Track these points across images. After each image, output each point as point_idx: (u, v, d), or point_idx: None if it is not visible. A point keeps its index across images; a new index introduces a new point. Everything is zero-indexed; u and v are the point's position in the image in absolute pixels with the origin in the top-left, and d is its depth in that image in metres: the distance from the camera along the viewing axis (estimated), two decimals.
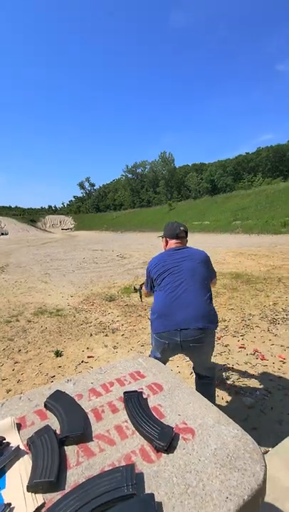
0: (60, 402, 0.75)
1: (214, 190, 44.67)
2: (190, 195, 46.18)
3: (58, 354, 2.86)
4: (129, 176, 58.95)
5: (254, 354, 2.65)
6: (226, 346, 2.85)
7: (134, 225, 32.91)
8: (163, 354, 1.68)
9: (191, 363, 2.28)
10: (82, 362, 2.70)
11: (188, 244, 1.87)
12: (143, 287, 2.07)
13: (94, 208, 63.05)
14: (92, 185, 68.98)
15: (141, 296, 2.22)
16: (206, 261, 1.70)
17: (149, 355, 1.83)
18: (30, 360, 2.81)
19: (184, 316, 1.50)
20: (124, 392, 0.79)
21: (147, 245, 16.19)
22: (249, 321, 3.48)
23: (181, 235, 1.82)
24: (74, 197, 73.77)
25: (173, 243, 1.81)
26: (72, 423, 0.67)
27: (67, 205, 75.52)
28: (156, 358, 1.73)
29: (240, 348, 2.79)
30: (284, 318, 3.48)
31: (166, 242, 1.85)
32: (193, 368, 1.84)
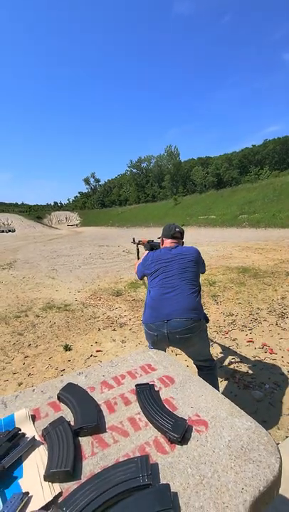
0: (73, 394, 0.76)
1: (220, 183, 44.14)
2: (196, 190, 45.74)
3: (67, 348, 2.90)
4: (134, 171, 58.65)
5: (262, 348, 2.64)
6: (233, 340, 2.84)
7: (140, 220, 32.84)
8: (154, 346, 1.73)
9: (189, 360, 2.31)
10: (91, 356, 2.73)
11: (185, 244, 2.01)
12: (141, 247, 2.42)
13: (99, 203, 63.07)
14: (98, 180, 68.94)
15: (138, 252, 2.56)
16: (196, 257, 1.82)
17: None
18: (40, 355, 2.85)
19: (171, 309, 1.59)
20: (136, 385, 0.79)
21: (154, 240, 16.13)
22: (257, 315, 3.46)
23: (175, 236, 1.96)
24: (79, 193, 73.97)
25: (168, 242, 1.95)
26: (86, 415, 0.68)
27: (73, 201, 75.78)
28: (150, 349, 1.78)
29: (249, 341, 2.78)
30: None
31: (162, 242, 2.01)
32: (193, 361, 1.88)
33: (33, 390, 0.83)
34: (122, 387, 0.82)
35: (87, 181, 69.07)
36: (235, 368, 2.35)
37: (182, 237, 1.99)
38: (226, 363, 2.44)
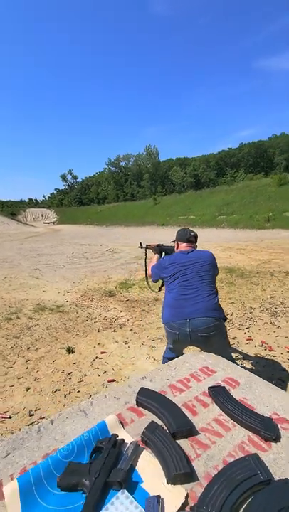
0: (151, 399, 0.79)
1: (198, 184, 45.10)
2: (174, 190, 46.35)
3: (69, 351, 2.86)
4: (113, 169, 58.11)
5: (262, 346, 2.79)
6: (234, 339, 2.97)
7: (120, 219, 32.66)
8: (174, 345, 1.82)
9: None
10: (96, 358, 2.72)
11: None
12: (151, 251, 2.48)
13: (77, 201, 61.71)
14: (75, 177, 67.33)
15: (146, 256, 2.63)
16: (212, 261, 1.90)
17: (167, 347, 1.93)
18: (42, 358, 2.78)
19: (193, 309, 1.67)
20: (209, 388, 0.83)
21: (135, 240, 16.11)
22: (251, 314, 3.64)
23: (191, 240, 2.02)
24: (56, 189, 71.78)
25: (184, 246, 2.01)
26: (178, 418, 0.71)
27: (49, 197, 73.41)
28: (170, 348, 1.83)
29: (248, 340, 2.92)
30: (283, 310, 3.67)
31: (178, 245, 2.07)
32: None
33: (105, 396, 0.85)
34: (193, 390, 0.86)
35: (64, 178, 67.26)
36: (240, 365, 2.46)
37: (196, 241, 2.06)
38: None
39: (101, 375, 2.41)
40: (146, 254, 2.70)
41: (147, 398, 0.79)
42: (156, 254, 2.40)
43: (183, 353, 1.99)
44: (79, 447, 0.64)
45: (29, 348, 3.01)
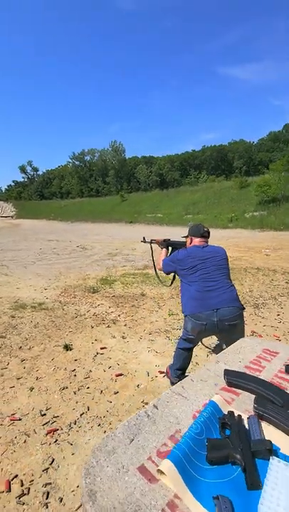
0: (242, 378, 0.83)
1: (163, 183, 45.97)
2: (140, 187, 46.65)
3: (67, 348, 2.76)
4: (77, 163, 56.32)
5: (253, 335, 3.00)
6: None
7: (85, 215, 31.85)
8: (198, 336, 1.90)
9: (204, 348, 2.52)
10: (97, 354, 2.67)
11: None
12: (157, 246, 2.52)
13: (38, 194, 58.54)
14: (36, 169, 63.73)
15: (152, 249, 2.72)
16: (226, 256, 2.03)
17: (181, 338, 2.00)
18: (38, 357, 2.65)
19: (218, 300, 1.77)
20: (286, 365, 0.90)
21: (105, 236, 15.98)
22: None
23: (204, 235, 2.12)
24: (14, 181, 67.30)
25: (197, 241, 2.10)
26: (278, 392, 0.77)
27: (6, 190, 68.48)
28: (188, 338, 1.91)
29: None
30: (263, 303, 3.98)
31: (191, 240, 2.14)
32: None
33: (192, 380, 0.87)
34: (269, 370, 0.93)
35: (23, 169, 63.27)
36: None
37: (209, 236, 2.15)
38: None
39: (107, 371, 2.39)
40: (152, 248, 2.74)
41: (237, 378, 0.84)
42: (164, 249, 2.44)
43: (198, 344, 2.07)
44: (205, 426, 0.66)
45: (21, 348, 2.84)
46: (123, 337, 3.02)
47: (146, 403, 1.96)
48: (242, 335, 1.91)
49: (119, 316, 3.68)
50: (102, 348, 2.77)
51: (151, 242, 2.70)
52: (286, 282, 4.99)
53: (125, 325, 3.35)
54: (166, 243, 2.48)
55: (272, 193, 17.43)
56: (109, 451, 0.62)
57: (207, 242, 2.11)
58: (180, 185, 38.39)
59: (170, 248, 2.48)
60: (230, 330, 1.74)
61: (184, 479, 0.54)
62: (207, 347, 2.63)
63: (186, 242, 2.34)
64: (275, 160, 28.69)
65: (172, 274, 2.20)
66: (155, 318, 3.51)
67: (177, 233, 2.87)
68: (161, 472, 0.56)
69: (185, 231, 2.28)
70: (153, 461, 0.60)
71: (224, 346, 2.69)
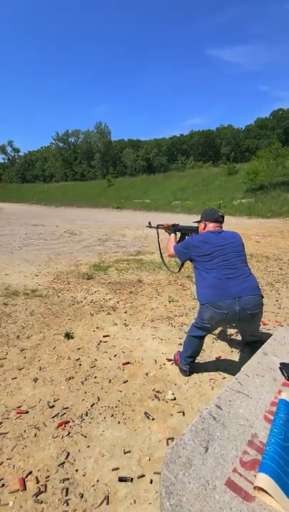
0: None
1: (150, 168, 45.22)
2: (126, 172, 45.67)
3: (68, 336, 2.66)
4: (61, 144, 54.03)
5: None
6: None
7: (70, 200, 30.92)
8: (216, 325, 1.84)
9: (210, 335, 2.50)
10: (100, 342, 2.59)
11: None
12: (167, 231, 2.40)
13: (19, 177, 56.06)
14: (17, 150, 60.71)
15: (158, 234, 2.64)
16: (242, 242, 1.96)
17: (194, 325, 1.94)
18: (38, 346, 2.53)
19: (240, 288, 1.71)
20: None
21: (92, 221, 15.59)
22: None
23: (219, 220, 2.04)
24: None
25: (212, 226, 2.02)
26: None
27: None
28: (203, 327, 1.85)
29: None
30: (261, 289, 4.00)
31: (205, 225, 2.06)
32: (242, 339, 2.05)
33: (247, 375, 0.80)
34: None
35: (3, 150, 60.05)
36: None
37: (223, 221, 2.06)
38: (232, 333, 2.70)
39: (113, 359, 2.31)
40: (158, 233, 2.64)
41: None
42: (172, 234, 2.33)
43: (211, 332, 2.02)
44: (286, 429, 0.59)
45: (18, 337, 2.70)
46: (125, 324, 2.95)
47: (158, 391, 1.92)
48: (259, 323, 1.88)
49: (118, 302, 3.59)
50: (104, 336, 2.68)
51: (157, 227, 2.59)
52: (280, 268, 5.06)
53: (125, 312, 3.27)
54: (174, 228, 2.37)
55: (259, 181, 17.56)
56: (185, 463, 0.54)
57: (222, 227, 2.04)
58: (167, 171, 37.90)
59: (178, 234, 2.39)
60: (250, 319, 1.70)
61: (287, 495, 0.47)
62: (212, 333, 2.62)
63: (197, 227, 2.25)
64: (262, 147, 28.80)
65: (180, 261, 2.12)
66: (155, 305, 3.45)
67: (166, 219, 2.77)
68: (259, 489, 0.48)
69: (174, 217, 2.19)
70: (241, 474, 0.52)
71: (228, 333, 2.69)
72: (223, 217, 2.05)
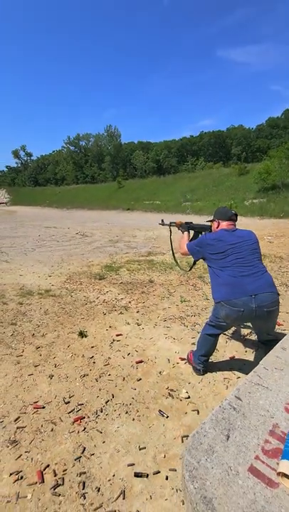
0: None
1: (160, 170, 45.24)
2: (136, 174, 45.85)
3: (82, 335, 2.69)
4: (72, 148, 54.89)
5: None
6: None
7: (81, 202, 31.31)
8: (232, 323, 1.82)
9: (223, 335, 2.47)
10: (114, 341, 2.61)
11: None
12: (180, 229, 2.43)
13: (32, 181, 57.22)
14: (29, 154, 62.02)
15: (170, 231, 2.65)
16: (257, 240, 1.94)
17: (208, 324, 1.92)
18: (53, 344, 2.58)
19: (256, 285, 1.69)
20: None
21: (103, 223, 15.74)
22: None
23: (232, 218, 2.05)
24: (7, 167, 65.51)
25: (225, 224, 2.02)
26: None
27: None
28: (218, 325, 1.84)
29: None
30: None
31: (218, 224, 2.06)
32: (258, 338, 2.03)
33: (266, 368, 0.79)
34: None
35: (16, 154, 61.52)
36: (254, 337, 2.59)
37: (237, 219, 2.05)
38: (246, 333, 2.66)
39: (126, 357, 2.33)
40: (170, 231, 2.65)
41: None
42: (186, 232, 2.34)
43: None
44: None
45: (34, 335, 2.76)
46: (138, 324, 2.96)
47: (172, 390, 1.92)
48: (275, 321, 1.86)
49: (130, 302, 3.61)
50: (117, 335, 2.71)
51: (170, 225, 2.59)
52: None
53: (138, 312, 3.29)
54: (188, 226, 2.37)
55: (272, 181, 17.26)
56: (207, 449, 0.55)
57: (235, 225, 2.03)
58: (177, 172, 37.83)
59: (192, 232, 2.39)
60: (267, 316, 1.68)
61: None
62: (225, 333, 2.59)
63: (210, 226, 2.25)
64: (274, 147, 28.33)
65: (192, 259, 2.12)
66: (167, 305, 3.45)
67: (177, 220, 2.75)
68: (283, 475, 0.48)
69: (185, 218, 2.20)
70: (263, 461, 0.52)
71: (242, 333, 2.65)
72: (236, 216, 2.05)
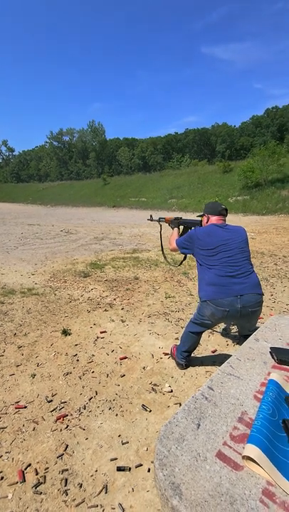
0: None
1: (145, 167, 45.20)
2: (122, 171, 45.56)
3: (65, 333, 2.67)
4: (55, 143, 53.74)
5: None
6: None
7: (66, 199, 30.82)
8: (217, 322, 1.84)
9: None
10: (97, 338, 2.61)
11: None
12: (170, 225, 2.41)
13: (13, 177, 55.67)
14: (11, 150, 60.24)
15: (161, 227, 2.68)
16: (246, 237, 1.92)
17: (192, 321, 1.95)
18: (36, 343, 2.54)
19: (242, 286, 1.70)
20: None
21: (88, 220, 15.57)
22: None
23: (222, 213, 2.01)
24: None
25: (215, 219, 1.99)
26: None
27: None
28: (203, 323, 1.87)
29: None
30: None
31: (208, 219, 2.03)
32: (240, 333, 2.08)
33: (239, 359, 0.82)
34: None
35: None
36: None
37: (227, 214, 2.05)
38: (227, 328, 2.73)
39: (110, 354, 2.34)
40: (161, 227, 2.64)
41: (287, 354, 0.80)
42: (176, 228, 2.32)
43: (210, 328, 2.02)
44: (275, 406, 0.62)
45: (16, 334, 2.71)
46: (122, 320, 2.97)
47: (156, 384, 1.94)
48: (257, 319, 1.90)
49: (114, 299, 3.60)
50: (102, 332, 2.70)
51: (159, 221, 2.58)
52: (274, 264, 5.12)
53: (122, 308, 3.29)
54: (178, 222, 2.36)
55: (255, 178, 17.65)
56: (178, 438, 0.56)
57: (225, 220, 2.02)
58: (163, 169, 37.90)
59: (181, 228, 2.38)
60: (250, 316, 1.72)
61: (275, 464, 0.49)
62: (216, 331, 2.65)
63: (200, 221, 2.22)
64: (256, 145, 28.91)
65: (181, 255, 2.12)
66: (152, 301, 3.47)
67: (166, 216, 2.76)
68: (247, 458, 0.51)
69: (171, 215, 2.19)
70: (230, 447, 0.55)
71: (229, 328, 2.71)
72: (226, 211, 2.02)
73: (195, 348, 2.07)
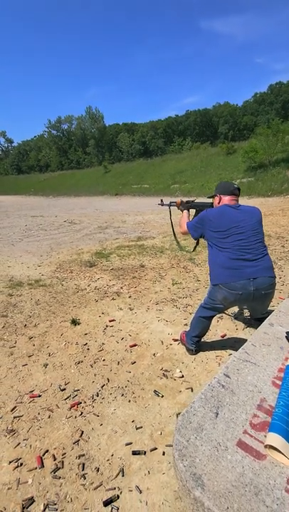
0: None
1: (146, 152, 44.35)
2: (122, 157, 44.80)
3: (75, 323, 2.69)
4: (54, 132, 52.80)
5: None
6: None
7: (67, 189, 30.58)
8: (229, 305, 1.81)
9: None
10: (107, 327, 2.63)
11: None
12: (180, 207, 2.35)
13: (14, 168, 55.21)
14: (10, 141, 59.47)
15: (170, 212, 2.61)
16: (261, 218, 1.84)
17: (203, 306, 1.93)
18: (46, 333, 2.57)
19: (255, 269, 1.66)
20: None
21: (91, 209, 15.48)
22: None
23: (235, 192, 1.92)
24: None
25: (227, 199, 1.91)
26: None
27: None
28: (214, 307, 1.85)
29: None
30: None
31: (220, 199, 1.94)
32: (252, 316, 2.06)
33: (254, 345, 0.80)
34: None
35: None
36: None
37: (239, 194, 1.97)
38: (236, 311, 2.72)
39: (120, 342, 2.35)
40: (170, 212, 2.58)
41: None
42: (185, 211, 2.25)
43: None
44: None
45: (26, 325, 2.74)
46: (130, 308, 2.98)
47: (166, 370, 1.96)
48: (270, 302, 1.87)
49: (121, 288, 3.61)
50: (110, 321, 2.72)
51: (170, 205, 2.50)
52: (282, 246, 5.04)
53: (130, 296, 3.30)
54: (188, 205, 2.29)
55: (259, 159, 17.18)
56: (196, 428, 0.55)
57: (238, 200, 1.93)
58: (164, 154, 37.12)
59: (192, 212, 2.31)
60: (263, 299, 1.69)
61: None
62: (228, 314, 2.64)
63: (212, 203, 2.14)
64: (260, 124, 27.97)
65: (194, 240, 2.06)
66: (159, 288, 3.47)
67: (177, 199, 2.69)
68: (270, 447, 0.49)
69: (175, 200, 2.13)
70: (251, 435, 0.53)
71: (244, 312, 2.69)
72: (239, 190, 1.94)
73: (205, 333, 2.07)
